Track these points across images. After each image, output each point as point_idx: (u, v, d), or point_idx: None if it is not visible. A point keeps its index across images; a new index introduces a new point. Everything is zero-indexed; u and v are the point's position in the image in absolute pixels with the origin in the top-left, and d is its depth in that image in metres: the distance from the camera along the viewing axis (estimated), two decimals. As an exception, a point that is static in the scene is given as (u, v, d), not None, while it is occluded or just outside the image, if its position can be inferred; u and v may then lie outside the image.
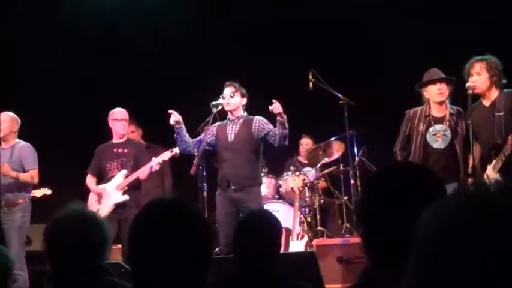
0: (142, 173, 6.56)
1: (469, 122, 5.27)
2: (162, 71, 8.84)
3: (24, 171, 6.58)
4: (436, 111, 5.72)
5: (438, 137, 5.65)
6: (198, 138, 6.19)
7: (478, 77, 5.34)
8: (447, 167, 5.54)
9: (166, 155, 6.64)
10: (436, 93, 5.67)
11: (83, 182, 6.86)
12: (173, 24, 8.60)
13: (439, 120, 5.69)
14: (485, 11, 7.46)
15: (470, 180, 5.35)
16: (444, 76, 5.70)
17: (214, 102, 6.10)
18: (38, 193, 7.54)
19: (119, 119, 6.78)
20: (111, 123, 6.84)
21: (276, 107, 5.69)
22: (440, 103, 5.70)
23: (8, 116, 6.79)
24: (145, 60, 8.85)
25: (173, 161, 6.96)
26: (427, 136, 5.67)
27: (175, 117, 6.01)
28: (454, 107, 5.72)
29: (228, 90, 6.15)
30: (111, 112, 6.88)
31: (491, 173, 5.25)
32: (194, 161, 6.01)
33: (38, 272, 6.09)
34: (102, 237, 2.46)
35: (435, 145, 5.65)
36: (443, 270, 0.88)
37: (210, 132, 6.17)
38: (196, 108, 6.67)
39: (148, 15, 8.81)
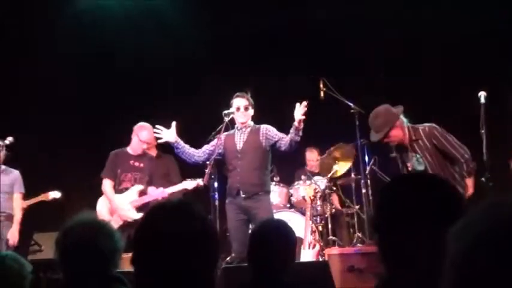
0: (156, 197, 6.54)
1: (483, 131, 5.20)
2: (170, 77, 8.88)
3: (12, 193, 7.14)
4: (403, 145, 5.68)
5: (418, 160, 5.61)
6: (210, 147, 6.17)
7: None
8: None
9: (190, 185, 6.63)
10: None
11: (93, 187, 6.82)
12: (181, 29, 8.62)
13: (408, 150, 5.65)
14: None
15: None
16: (376, 138, 5.60)
17: (226, 112, 6.10)
18: (48, 196, 7.58)
19: (142, 140, 6.67)
20: (133, 136, 6.72)
21: (304, 112, 5.65)
22: (399, 143, 5.66)
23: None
24: (152, 67, 8.89)
25: (185, 171, 6.97)
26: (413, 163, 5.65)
27: (164, 135, 6.05)
28: (426, 126, 5.60)
29: (241, 102, 6.14)
30: (139, 126, 6.72)
31: None
32: (206, 171, 6.02)
33: (50, 279, 6.10)
34: (113, 246, 2.46)
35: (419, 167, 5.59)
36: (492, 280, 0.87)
37: (219, 143, 6.16)
38: (205, 115, 6.70)
39: (154, 20, 8.83)
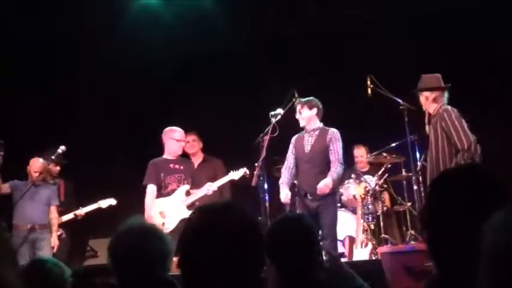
0: (205, 192, 6.68)
1: None
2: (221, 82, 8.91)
3: (49, 205, 7.48)
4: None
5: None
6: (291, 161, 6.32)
7: None
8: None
9: (236, 175, 6.77)
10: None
11: (146, 193, 6.91)
12: (230, 34, 8.66)
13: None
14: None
15: None
16: (417, 88, 5.83)
17: (273, 113, 6.15)
18: (104, 204, 7.73)
19: (178, 140, 6.83)
20: (166, 140, 6.85)
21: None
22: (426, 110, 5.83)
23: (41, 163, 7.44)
24: (204, 70, 8.93)
25: (231, 167, 7.02)
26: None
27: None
28: (443, 108, 5.66)
29: (297, 109, 6.25)
30: (169, 129, 6.87)
31: None
32: (255, 172, 6.05)
33: (105, 285, 6.23)
34: (164, 250, 2.49)
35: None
36: None
37: (290, 146, 6.31)
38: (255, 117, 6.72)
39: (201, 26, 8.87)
